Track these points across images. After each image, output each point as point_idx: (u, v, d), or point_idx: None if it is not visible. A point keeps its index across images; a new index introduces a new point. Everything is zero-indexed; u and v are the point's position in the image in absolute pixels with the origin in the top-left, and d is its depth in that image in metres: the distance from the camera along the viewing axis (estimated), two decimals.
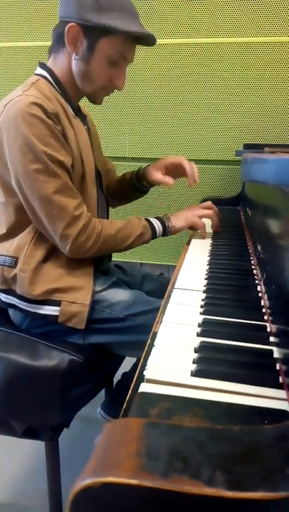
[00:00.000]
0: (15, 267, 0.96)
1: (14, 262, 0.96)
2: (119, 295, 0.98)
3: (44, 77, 0.95)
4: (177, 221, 1.09)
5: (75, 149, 0.94)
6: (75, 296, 0.95)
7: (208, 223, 1.19)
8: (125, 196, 1.30)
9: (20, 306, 0.98)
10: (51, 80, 0.95)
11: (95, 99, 1.00)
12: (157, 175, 1.14)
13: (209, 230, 1.23)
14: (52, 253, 0.97)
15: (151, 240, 1.06)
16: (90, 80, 0.95)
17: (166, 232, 1.08)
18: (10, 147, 0.87)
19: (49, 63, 0.97)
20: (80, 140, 0.97)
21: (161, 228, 1.06)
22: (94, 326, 0.96)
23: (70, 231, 0.91)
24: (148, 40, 0.94)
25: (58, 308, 0.94)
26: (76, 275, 0.97)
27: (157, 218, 1.08)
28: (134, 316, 0.94)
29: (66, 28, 0.89)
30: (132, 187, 1.24)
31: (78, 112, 1.03)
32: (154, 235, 1.06)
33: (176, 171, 1.17)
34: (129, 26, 0.89)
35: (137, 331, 0.94)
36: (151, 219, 1.07)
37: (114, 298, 0.97)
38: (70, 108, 0.97)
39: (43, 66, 0.97)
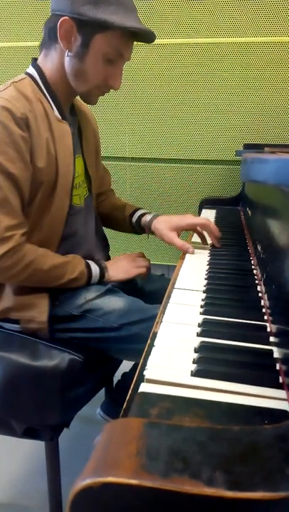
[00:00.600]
0: None
1: None
2: (113, 303, 0.94)
3: (31, 76, 0.91)
4: (115, 273, 1.01)
5: (48, 157, 0.88)
6: (31, 314, 0.93)
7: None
8: (116, 227, 1.23)
9: None
10: (38, 80, 0.90)
11: (90, 99, 0.95)
12: (174, 239, 1.02)
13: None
14: None
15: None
16: (85, 78, 0.89)
17: (102, 279, 1.00)
18: None
19: (39, 60, 0.93)
20: (59, 146, 0.91)
21: (98, 277, 0.99)
22: (88, 335, 0.94)
23: None
24: (146, 37, 0.88)
25: (18, 326, 0.94)
26: (28, 292, 0.93)
27: (98, 265, 1.00)
28: (130, 324, 0.91)
29: (59, 23, 0.83)
30: (130, 227, 1.17)
31: (70, 114, 0.99)
32: (88, 282, 0.98)
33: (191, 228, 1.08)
34: (127, 22, 0.83)
35: (133, 340, 0.91)
36: (92, 265, 0.99)
37: (108, 306, 0.93)
38: (55, 111, 0.92)
39: (33, 63, 0.92)
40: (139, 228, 1.15)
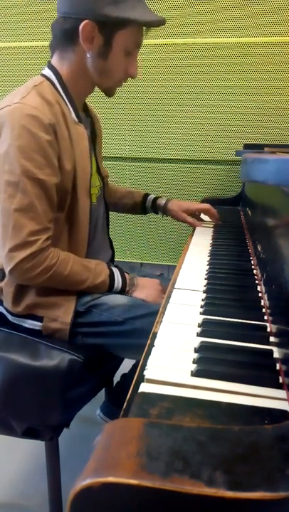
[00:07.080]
0: (2, 280, 0.95)
1: (2, 274, 0.95)
2: (118, 298, 0.97)
3: (49, 79, 0.91)
4: (139, 292, 1.01)
5: (69, 161, 0.90)
6: (57, 313, 0.94)
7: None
8: (126, 211, 1.36)
9: (8, 317, 0.99)
10: (55, 82, 0.92)
11: (111, 92, 0.98)
12: (187, 218, 1.28)
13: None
14: None
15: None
16: (110, 75, 0.93)
17: (124, 292, 1.01)
18: None
19: (54, 62, 0.93)
20: (77, 149, 0.93)
21: (119, 289, 1.00)
22: (93, 330, 0.96)
23: (15, 254, 0.86)
24: (159, 24, 0.91)
25: (40, 323, 0.95)
26: (59, 292, 0.95)
27: (122, 276, 1.00)
28: (133, 319, 0.93)
29: (81, 27, 0.85)
30: (141, 209, 1.32)
31: (85, 115, 1.01)
32: (110, 289, 0.99)
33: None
34: (146, 16, 0.87)
35: (136, 335, 0.93)
36: (116, 274, 0.99)
37: (112, 301, 0.96)
38: (72, 113, 0.93)
39: (50, 66, 0.93)
40: (152, 210, 1.32)
